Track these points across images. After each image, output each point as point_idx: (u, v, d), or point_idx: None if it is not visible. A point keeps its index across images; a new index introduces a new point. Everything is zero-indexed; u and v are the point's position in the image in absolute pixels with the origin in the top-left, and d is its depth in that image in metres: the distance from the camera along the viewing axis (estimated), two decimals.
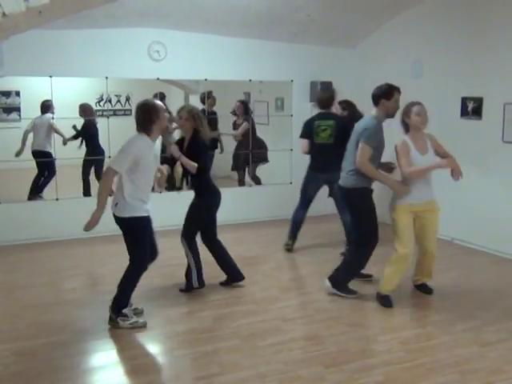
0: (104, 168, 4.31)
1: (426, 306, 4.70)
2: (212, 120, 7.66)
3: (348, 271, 4.82)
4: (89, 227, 4.05)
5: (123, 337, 4.16)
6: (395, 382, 3.39)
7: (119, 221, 4.15)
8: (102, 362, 3.76)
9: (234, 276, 5.08)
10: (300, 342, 3.98)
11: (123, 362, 3.81)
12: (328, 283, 4.81)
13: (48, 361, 3.67)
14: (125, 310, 4.21)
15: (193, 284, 4.89)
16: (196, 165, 4.71)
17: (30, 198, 7.38)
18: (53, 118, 7.53)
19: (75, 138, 7.89)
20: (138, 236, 4.17)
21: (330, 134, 5.93)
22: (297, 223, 6.26)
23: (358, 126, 4.69)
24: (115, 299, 4.22)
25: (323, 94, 6.36)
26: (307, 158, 6.31)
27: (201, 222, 4.95)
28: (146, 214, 4.20)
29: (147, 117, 4.08)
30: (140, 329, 4.18)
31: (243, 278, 5.09)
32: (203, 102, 8.14)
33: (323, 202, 6.67)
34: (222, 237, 5.14)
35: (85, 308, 4.62)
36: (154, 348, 4.03)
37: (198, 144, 4.79)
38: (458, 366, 3.61)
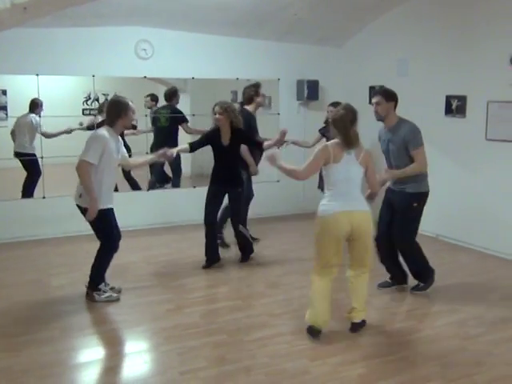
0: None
1: (410, 300, 4.76)
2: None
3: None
4: (90, 217, 4.40)
5: (110, 333, 4.21)
6: (377, 375, 3.45)
7: (84, 211, 4.41)
8: (89, 358, 3.78)
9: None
10: (285, 337, 4.03)
11: (110, 357, 3.84)
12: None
13: (35, 357, 3.69)
14: (100, 286, 4.62)
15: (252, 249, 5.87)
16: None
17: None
18: (39, 116, 7.45)
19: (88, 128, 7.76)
20: (106, 225, 4.50)
21: None
22: None
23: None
24: (91, 278, 4.61)
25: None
26: (294, 157, 6.35)
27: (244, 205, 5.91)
28: (110, 206, 4.50)
29: (116, 111, 4.44)
30: (114, 302, 4.59)
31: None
32: (168, 99, 7.84)
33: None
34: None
35: (72, 305, 4.63)
36: (140, 344, 4.05)
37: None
38: (439, 358, 3.67)
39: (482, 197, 6.11)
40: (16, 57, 6.28)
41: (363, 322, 4.14)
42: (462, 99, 6.26)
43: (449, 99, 6.40)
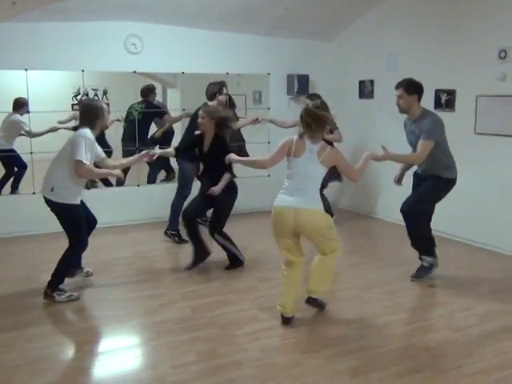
0: None
1: (401, 293, 4.79)
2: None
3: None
4: (118, 174, 4.90)
5: (101, 328, 4.20)
6: (368, 367, 3.47)
7: (54, 205, 4.50)
8: (80, 353, 3.78)
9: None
10: (277, 330, 4.04)
11: (101, 352, 3.84)
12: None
13: (26, 352, 3.69)
14: (61, 286, 4.57)
15: (242, 260, 5.46)
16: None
17: None
18: (21, 114, 7.36)
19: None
20: (76, 221, 4.53)
21: None
22: None
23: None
24: (54, 277, 4.54)
25: None
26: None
27: (227, 215, 5.45)
28: (78, 203, 4.56)
29: (94, 113, 4.54)
30: (75, 301, 4.53)
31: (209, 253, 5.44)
32: (144, 96, 7.77)
33: None
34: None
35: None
36: (131, 338, 4.05)
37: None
38: (429, 350, 3.70)
39: (470, 190, 6.14)
40: (4, 52, 6.24)
41: (319, 300, 4.34)
42: (452, 93, 6.29)
43: (438, 93, 6.43)
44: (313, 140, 4.00)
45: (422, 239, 5.03)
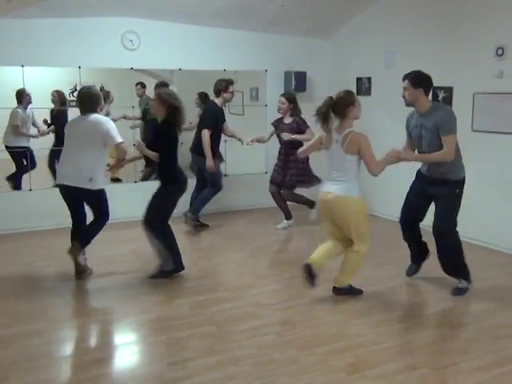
0: None
1: (398, 290, 4.80)
2: None
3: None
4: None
5: (98, 325, 4.21)
6: (366, 364, 3.47)
7: (89, 193, 4.77)
8: (77, 350, 3.78)
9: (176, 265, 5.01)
10: (274, 327, 4.04)
11: (98, 349, 3.84)
12: None
13: (22, 349, 3.68)
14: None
15: (175, 267, 4.96)
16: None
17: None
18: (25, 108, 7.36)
19: (49, 129, 7.75)
20: (106, 199, 4.95)
21: None
22: None
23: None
24: (83, 237, 4.91)
25: None
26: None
27: (170, 209, 4.98)
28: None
29: (97, 100, 4.88)
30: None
31: (183, 268, 5.05)
32: None
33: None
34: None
35: (59, 297, 4.61)
36: (128, 335, 4.04)
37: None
38: (426, 347, 3.71)
39: (467, 187, 6.13)
40: (1, 48, 6.21)
41: (343, 290, 4.55)
42: (449, 90, 6.29)
43: (435, 91, 6.42)
44: (337, 130, 4.31)
45: (460, 263, 4.70)
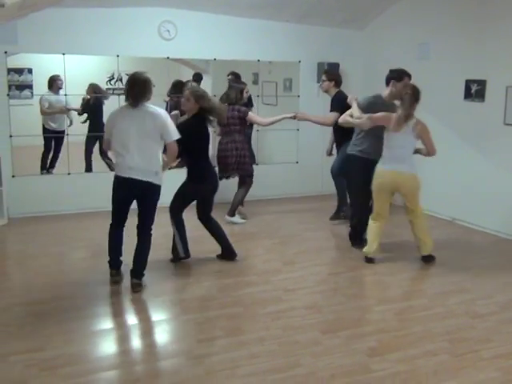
0: None
1: (423, 279, 4.88)
2: None
3: None
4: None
5: (131, 302, 4.39)
6: (387, 348, 3.58)
7: (154, 188, 4.47)
8: (110, 325, 3.98)
9: (227, 253, 5.24)
10: (299, 311, 4.17)
11: (130, 325, 4.04)
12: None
13: (60, 322, 3.89)
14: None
15: (179, 254, 5.11)
16: None
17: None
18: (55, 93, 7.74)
19: (80, 113, 8.05)
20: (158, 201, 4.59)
21: None
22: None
23: None
24: (142, 267, 4.55)
25: None
26: (313, 138, 6.47)
27: (185, 202, 5.11)
28: None
29: (150, 87, 4.45)
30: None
31: (235, 255, 5.23)
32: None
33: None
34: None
35: (94, 276, 4.82)
36: (159, 313, 4.24)
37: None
38: (447, 334, 3.79)
39: (498, 181, 6.14)
40: (43, 36, 6.45)
41: (431, 257, 5.15)
42: (482, 83, 6.27)
43: (468, 83, 6.42)
44: (409, 117, 4.92)
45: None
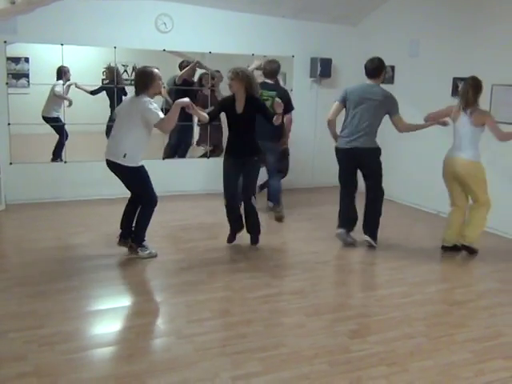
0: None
1: (405, 269, 5.06)
2: None
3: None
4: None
5: (125, 285, 4.60)
6: (367, 331, 3.79)
7: (125, 169, 4.81)
8: (105, 306, 4.16)
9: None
10: (285, 296, 4.38)
11: (125, 306, 4.23)
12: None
13: (57, 303, 4.07)
14: (144, 243, 5.00)
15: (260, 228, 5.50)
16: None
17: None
18: (63, 85, 7.83)
19: (93, 93, 8.13)
20: (144, 179, 4.92)
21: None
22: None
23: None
24: (136, 235, 5.00)
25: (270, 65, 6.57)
26: (303, 131, 6.66)
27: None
28: (142, 164, 4.92)
29: (149, 79, 4.81)
30: (153, 258, 5.03)
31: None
32: None
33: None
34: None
35: (90, 260, 5.00)
36: (152, 296, 4.46)
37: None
38: (425, 320, 4.01)
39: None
40: (42, 26, 6.58)
41: (471, 249, 5.34)
42: None
43: (455, 81, 6.61)
44: (467, 106, 5.18)
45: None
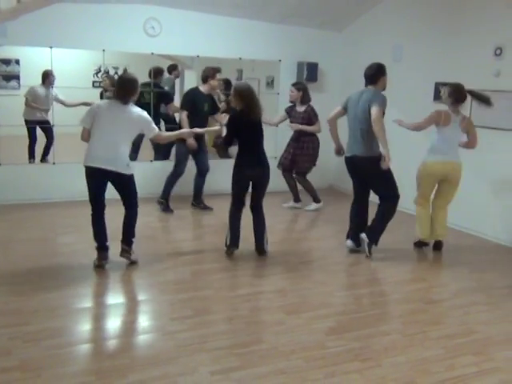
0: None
1: (385, 269, 5.19)
2: None
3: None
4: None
5: (111, 284, 4.69)
6: (344, 328, 3.91)
7: (126, 178, 4.80)
8: (91, 304, 4.26)
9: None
10: (266, 295, 4.50)
11: (110, 304, 4.32)
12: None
13: (43, 301, 4.16)
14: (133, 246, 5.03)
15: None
16: None
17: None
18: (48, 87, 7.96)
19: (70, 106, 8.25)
20: (135, 187, 4.95)
21: None
22: None
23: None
24: (130, 234, 4.99)
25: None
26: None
27: None
28: None
29: (135, 87, 4.83)
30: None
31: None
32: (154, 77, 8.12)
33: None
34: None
35: (77, 259, 5.10)
36: (137, 295, 4.56)
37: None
38: (401, 317, 4.14)
39: (465, 179, 6.47)
40: (32, 29, 6.66)
41: (442, 243, 5.69)
42: None
43: (438, 86, 6.76)
44: (457, 113, 5.42)
45: None
